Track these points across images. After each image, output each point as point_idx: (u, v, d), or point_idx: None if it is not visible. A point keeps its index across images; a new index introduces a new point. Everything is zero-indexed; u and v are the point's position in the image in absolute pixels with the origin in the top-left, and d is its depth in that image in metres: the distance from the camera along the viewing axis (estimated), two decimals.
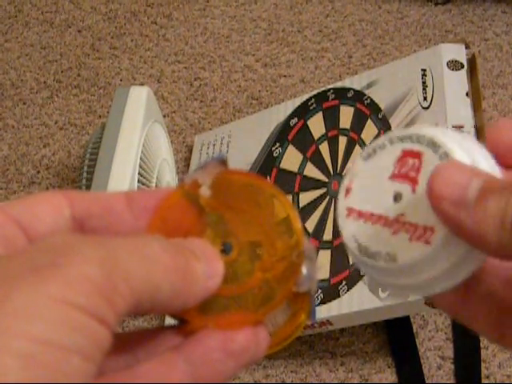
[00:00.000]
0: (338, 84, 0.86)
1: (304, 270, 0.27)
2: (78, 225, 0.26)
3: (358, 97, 0.82)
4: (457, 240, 0.26)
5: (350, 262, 0.72)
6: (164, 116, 0.99)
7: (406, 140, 0.28)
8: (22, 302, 0.20)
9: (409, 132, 0.28)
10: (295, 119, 0.86)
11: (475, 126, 0.70)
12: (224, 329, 0.25)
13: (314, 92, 0.87)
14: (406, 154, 0.28)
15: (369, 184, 0.29)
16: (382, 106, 0.79)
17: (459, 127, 0.70)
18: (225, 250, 0.27)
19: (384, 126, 0.77)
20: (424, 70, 0.77)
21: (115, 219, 0.26)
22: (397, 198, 0.28)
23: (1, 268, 0.22)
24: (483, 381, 0.75)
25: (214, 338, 0.25)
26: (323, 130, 0.83)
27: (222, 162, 0.28)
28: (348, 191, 0.29)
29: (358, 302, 0.70)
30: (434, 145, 0.27)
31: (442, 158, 0.27)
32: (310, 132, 0.84)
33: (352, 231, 0.28)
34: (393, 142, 0.29)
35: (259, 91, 1.04)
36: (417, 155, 0.28)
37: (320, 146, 0.82)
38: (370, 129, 0.78)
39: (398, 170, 0.28)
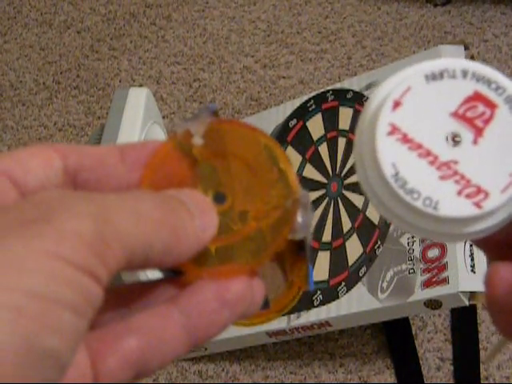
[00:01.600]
0: (337, 85, 0.86)
1: (299, 217, 0.26)
2: (69, 178, 0.26)
3: (357, 98, 0.82)
4: (506, 205, 0.25)
5: (349, 263, 0.72)
6: (163, 117, 0.99)
7: (482, 82, 0.26)
8: (11, 255, 0.20)
9: (487, 75, 0.26)
10: (294, 120, 0.86)
11: None
12: (219, 279, 0.25)
13: (313, 93, 0.87)
14: (479, 97, 0.26)
15: (424, 109, 0.26)
16: None
17: None
18: (218, 200, 0.26)
19: None
20: None
21: (108, 172, 0.26)
22: (453, 140, 0.25)
23: None
24: (482, 382, 0.75)
25: (209, 289, 0.24)
26: (322, 132, 0.83)
27: (214, 111, 0.27)
28: (397, 105, 0.26)
29: (356, 304, 0.70)
30: None
31: None
32: (309, 133, 0.84)
33: (392, 156, 0.25)
34: (466, 75, 0.26)
35: (258, 92, 1.04)
36: (490, 105, 0.26)
37: (319, 148, 0.82)
38: None
39: (464, 111, 0.26)
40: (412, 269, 0.68)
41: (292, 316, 0.73)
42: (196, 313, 0.24)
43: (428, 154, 0.25)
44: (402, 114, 0.26)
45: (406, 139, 0.25)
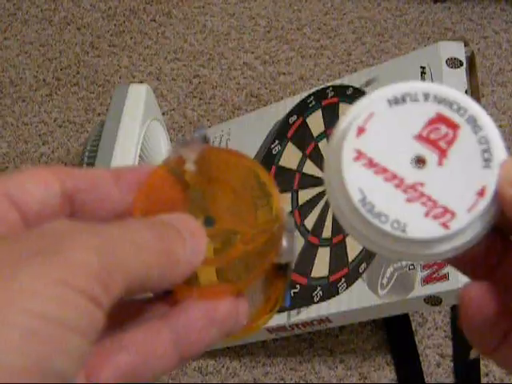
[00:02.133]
0: (337, 81, 0.86)
1: (284, 242, 0.27)
2: (67, 199, 0.27)
3: (357, 94, 0.82)
4: (473, 224, 0.25)
5: (346, 259, 0.72)
6: (163, 114, 0.99)
7: (444, 104, 0.26)
8: (26, 281, 0.21)
9: (449, 96, 0.26)
10: (294, 117, 0.86)
11: None
12: (208, 299, 0.26)
13: (313, 89, 0.87)
14: (441, 119, 0.26)
15: (388, 133, 0.26)
16: None
17: None
18: (207, 224, 0.28)
19: None
20: (423, 68, 0.77)
21: (102, 195, 0.27)
22: (418, 162, 0.26)
23: (4, 251, 0.22)
24: (482, 378, 0.75)
25: (198, 308, 0.26)
26: (322, 128, 0.83)
27: (204, 138, 0.29)
28: (361, 131, 0.27)
29: (357, 300, 0.70)
30: (475, 124, 0.26)
31: (482, 142, 0.26)
32: (309, 129, 0.84)
33: (359, 181, 0.26)
34: (428, 98, 0.26)
35: (258, 89, 1.04)
36: (453, 126, 0.26)
37: (319, 144, 0.82)
38: None
39: (427, 134, 0.26)
40: (412, 265, 0.68)
41: (292, 312, 0.74)
42: (185, 330, 0.25)
43: (394, 177, 0.26)
44: (366, 139, 0.26)
45: (371, 164, 0.26)
